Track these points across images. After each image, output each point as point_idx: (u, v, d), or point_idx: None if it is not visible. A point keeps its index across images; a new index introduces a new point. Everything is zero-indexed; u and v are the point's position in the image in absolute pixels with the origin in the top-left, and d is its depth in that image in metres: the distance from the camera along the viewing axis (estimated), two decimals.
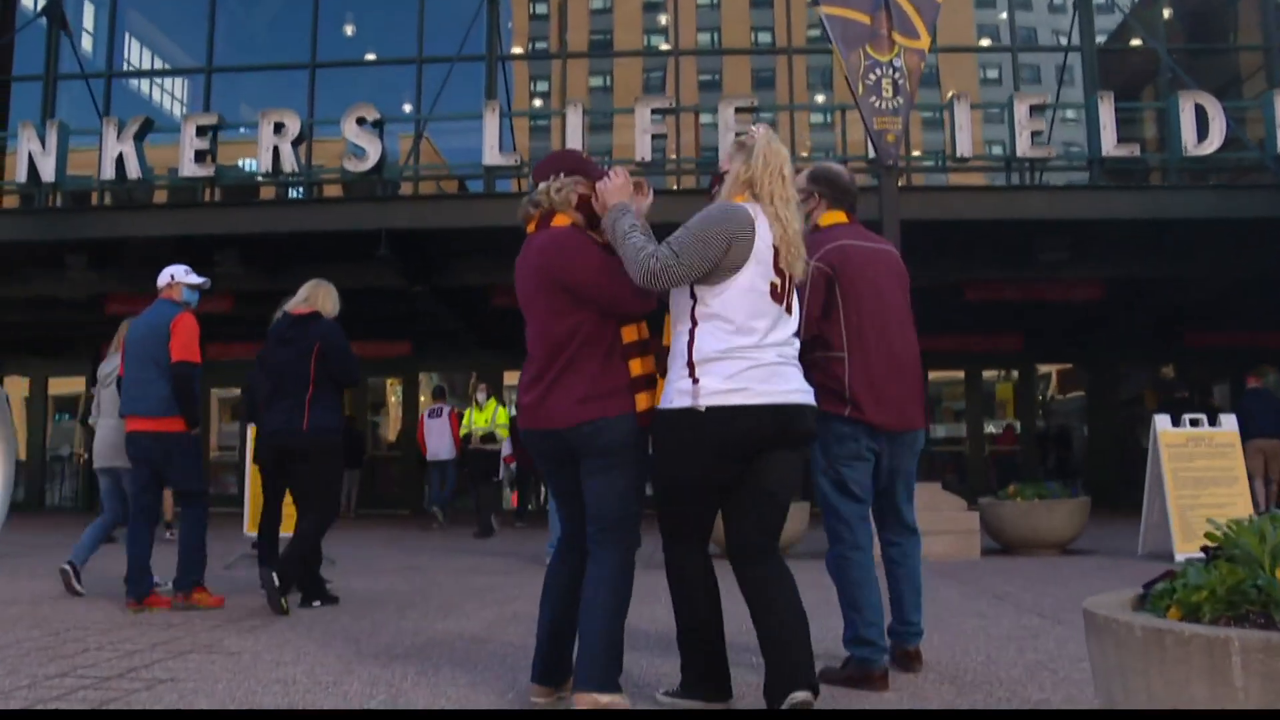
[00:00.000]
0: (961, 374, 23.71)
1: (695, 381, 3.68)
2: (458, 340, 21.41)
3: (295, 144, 15.91)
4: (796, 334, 3.94)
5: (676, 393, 3.73)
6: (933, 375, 22.65)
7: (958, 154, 15.64)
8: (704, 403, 3.65)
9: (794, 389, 3.78)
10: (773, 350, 3.75)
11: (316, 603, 7.09)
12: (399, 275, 16.63)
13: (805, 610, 3.76)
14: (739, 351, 3.69)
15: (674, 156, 18.50)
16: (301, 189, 18.61)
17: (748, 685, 4.19)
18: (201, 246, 16.34)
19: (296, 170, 16.11)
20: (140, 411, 6.92)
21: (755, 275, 3.73)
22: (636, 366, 3.95)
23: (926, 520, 10.52)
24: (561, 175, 4.07)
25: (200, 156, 16.12)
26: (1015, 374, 24.17)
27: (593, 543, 3.97)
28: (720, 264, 3.69)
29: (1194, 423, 10.33)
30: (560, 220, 4.05)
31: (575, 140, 15.53)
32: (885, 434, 4.52)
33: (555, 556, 4.25)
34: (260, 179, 16.86)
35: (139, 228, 16.33)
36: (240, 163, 18.53)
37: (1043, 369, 24.49)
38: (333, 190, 18.61)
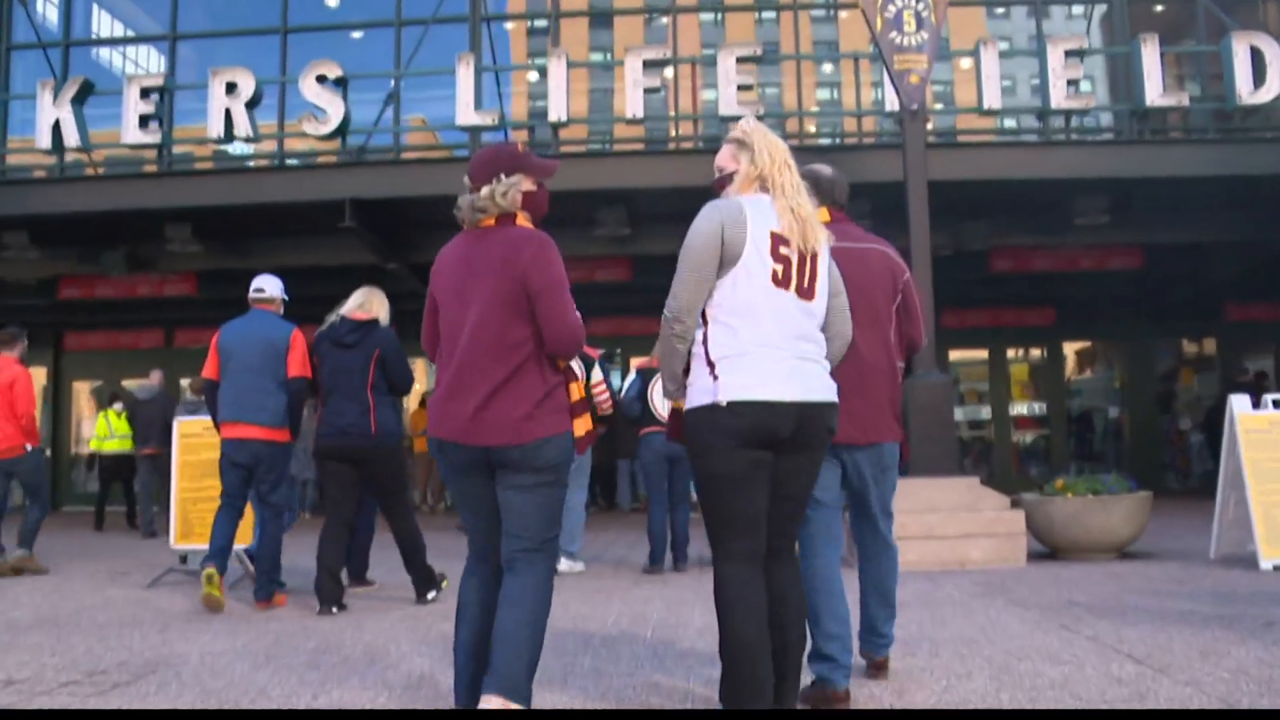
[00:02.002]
0: (985, 353, 22.08)
1: (716, 379, 3.63)
2: None
3: (250, 106, 14.32)
4: (823, 326, 3.83)
5: (699, 391, 3.68)
6: (954, 355, 21.16)
7: (984, 105, 13.99)
8: (724, 398, 3.60)
9: (816, 387, 3.70)
10: (790, 345, 3.67)
11: (432, 594, 7.41)
12: (369, 250, 15.09)
13: (805, 617, 3.85)
14: (753, 348, 3.63)
15: (672, 113, 16.94)
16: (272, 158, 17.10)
17: None
18: (151, 221, 14.88)
19: (251, 135, 14.48)
20: (260, 421, 7.19)
21: (754, 263, 3.65)
22: (575, 391, 3.97)
23: (965, 522, 9.05)
24: (502, 176, 3.94)
25: (145, 122, 14.56)
26: (1043, 351, 22.51)
27: (515, 559, 3.84)
28: (722, 261, 3.66)
29: (1278, 404, 8.76)
30: (522, 221, 3.98)
31: (559, 96, 13.94)
32: (850, 446, 4.47)
33: (467, 572, 4.00)
34: (214, 145, 15.17)
35: (80, 201, 14.78)
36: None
37: (1073, 346, 22.83)
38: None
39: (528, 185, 3.98)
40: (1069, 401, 22.18)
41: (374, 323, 7.33)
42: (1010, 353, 22.43)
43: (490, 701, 3.58)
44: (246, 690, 4.65)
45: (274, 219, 15.11)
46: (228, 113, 14.24)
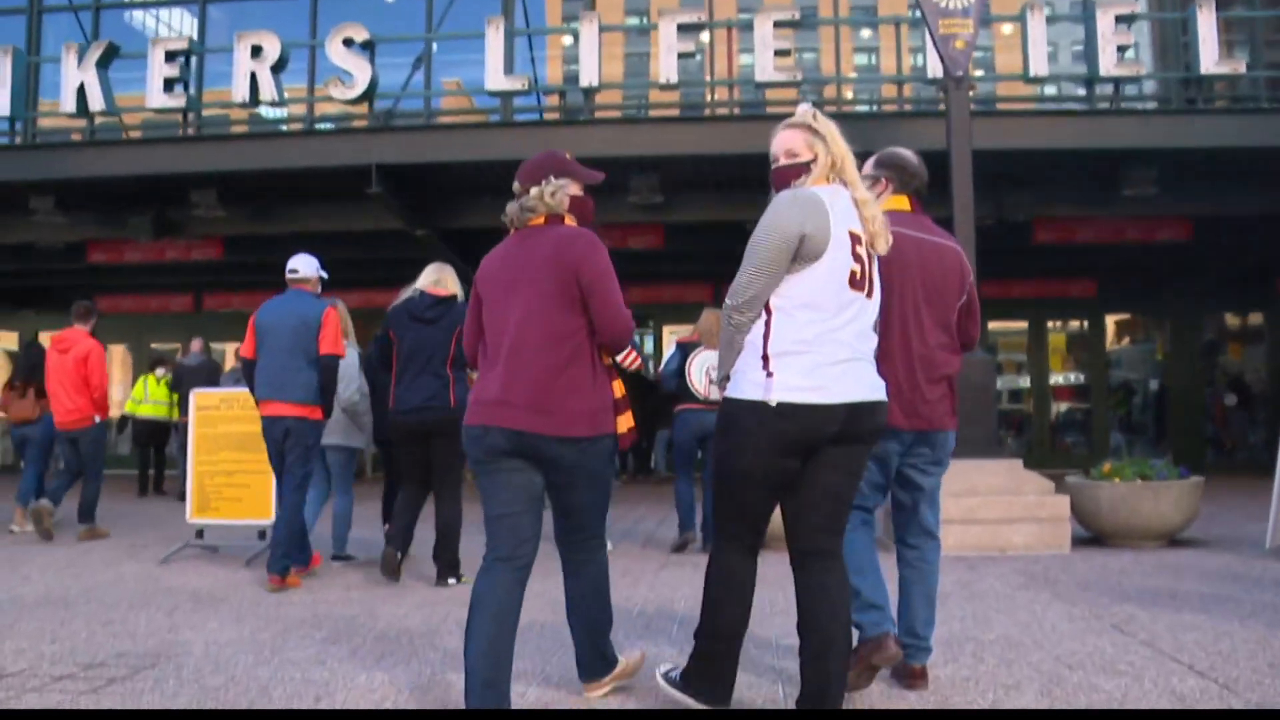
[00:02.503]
0: (1025, 324, 21.59)
1: (770, 375, 3.56)
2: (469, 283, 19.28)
3: (275, 70, 14.01)
4: (875, 326, 3.79)
5: (749, 383, 3.60)
6: (993, 325, 20.69)
7: (1030, 73, 13.50)
8: (775, 398, 3.53)
9: (867, 386, 3.63)
10: (849, 345, 3.60)
11: (452, 580, 7.22)
12: (397, 216, 14.79)
13: (850, 622, 3.72)
14: (816, 345, 3.56)
15: (708, 79, 16.50)
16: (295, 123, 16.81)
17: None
18: (176, 186, 14.62)
19: (276, 99, 14.19)
20: (292, 398, 7.21)
21: (836, 262, 3.58)
22: (619, 388, 4.05)
23: (1007, 506, 8.68)
24: (551, 179, 4.05)
25: (169, 85, 14.28)
26: (1085, 324, 22.00)
27: (570, 553, 4.12)
28: (800, 255, 3.57)
29: None
30: (569, 223, 4.07)
31: (591, 61, 13.56)
32: (906, 434, 4.28)
33: (484, 571, 3.91)
34: (240, 110, 14.81)
35: (105, 166, 14.51)
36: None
37: (1115, 318, 22.29)
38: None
39: (575, 190, 4.11)
40: (1110, 374, 21.69)
41: (453, 299, 7.38)
42: (1051, 324, 21.96)
43: (593, 689, 4.23)
44: (247, 689, 4.38)
45: (300, 184, 14.82)
46: (253, 76, 13.93)
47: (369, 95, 14.03)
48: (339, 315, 7.59)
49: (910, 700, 4.17)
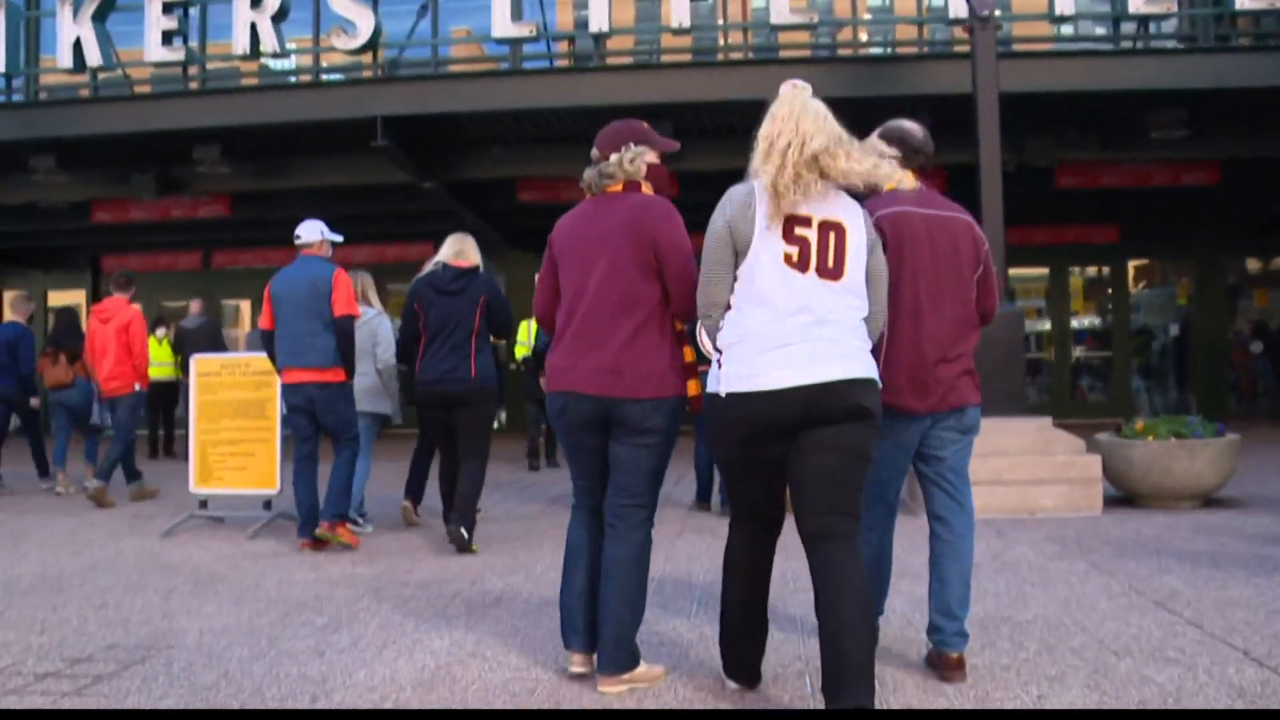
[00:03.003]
0: (1046, 270, 21.17)
1: (720, 367, 3.64)
2: (483, 241, 18.86)
3: (276, 20, 13.60)
4: (856, 300, 3.65)
5: (709, 378, 3.71)
6: (1014, 272, 20.23)
7: (1056, 11, 13.03)
8: (724, 388, 3.60)
9: (831, 367, 3.51)
10: (803, 330, 3.53)
11: (463, 531, 7.24)
12: (403, 169, 14.43)
13: (870, 601, 3.54)
14: (756, 334, 3.56)
15: (721, 21, 16.04)
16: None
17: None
18: (179, 143, 14.27)
19: (278, 50, 13.79)
20: (310, 363, 7.32)
21: (766, 249, 3.57)
22: (689, 353, 4.08)
23: (1036, 467, 8.36)
24: (631, 145, 4.12)
25: (168, 38, 13.91)
26: (1106, 270, 21.57)
27: (617, 518, 4.04)
28: (737, 250, 3.63)
29: None
30: (646, 190, 4.16)
31: (601, 5, 13.11)
32: (924, 416, 4.16)
33: (577, 523, 4.25)
34: (241, 62, 14.41)
35: (105, 123, 14.15)
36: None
37: (1137, 263, 21.86)
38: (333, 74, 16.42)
39: (651, 157, 4.17)
40: (1132, 320, 21.29)
41: (475, 269, 7.47)
42: (1072, 270, 21.55)
43: (607, 684, 3.96)
44: (240, 688, 4.12)
45: (305, 138, 14.46)
46: (253, 27, 13.55)
47: (373, 45, 13.65)
48: (348, 277, 7.67)
49: (947, 696, 3.88)
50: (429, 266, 7.53)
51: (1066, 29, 16.51)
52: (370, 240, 20.09)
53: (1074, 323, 21.46)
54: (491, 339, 7.66)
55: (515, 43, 13.73)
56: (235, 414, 8.49)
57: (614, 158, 4.11)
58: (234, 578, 6.41)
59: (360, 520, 8.22)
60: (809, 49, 14.79)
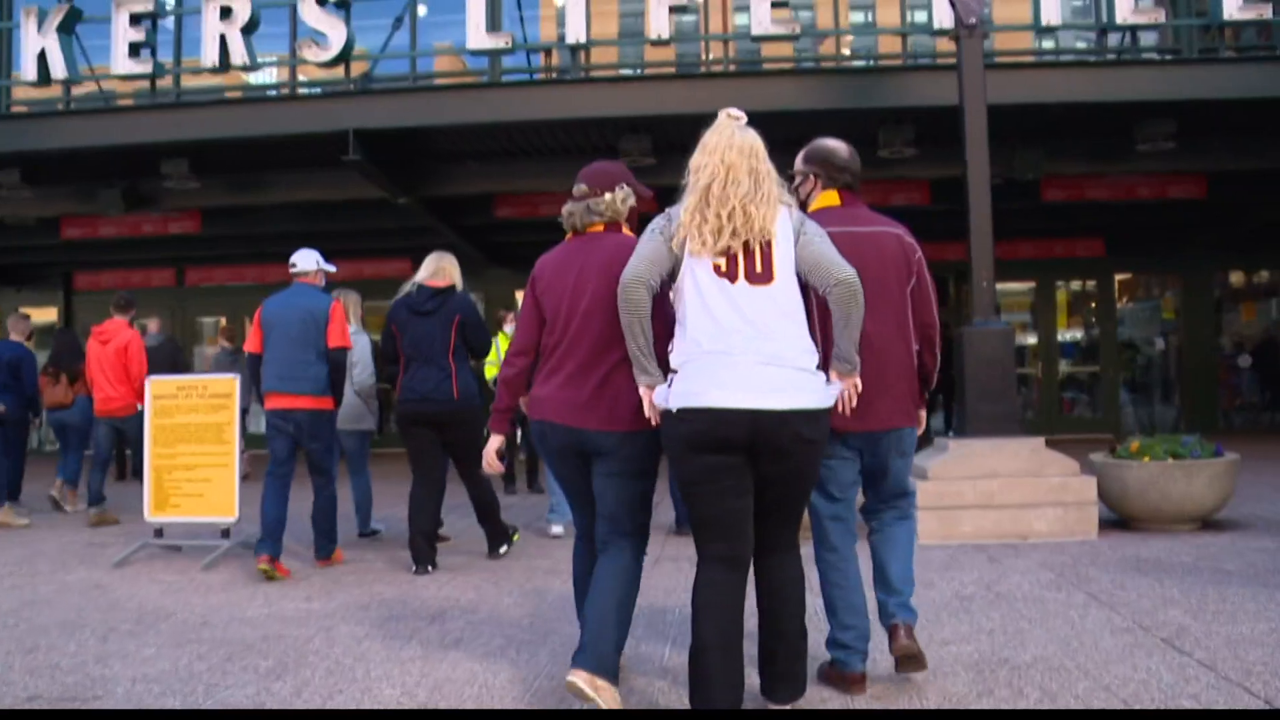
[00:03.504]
0: (1032, 284, 20.86)
1: (670, 385, 3.67)
2: (463, 258, 18.44)
3: (246, 31, 13.22)
4: (799, 314, 3.74)
5: (661, 396, 3.72)
6: (1000, 286, 19.90)
7: (1042, 21, 12.75)
8: (675, 404, 3.61)
9: (779, 396, 3.55)
10: (749, 347, 3.57)
11: (504, 548, 7.76)
12: (378, 184, 14.05)
13: (804, 614, 3.81)
14: (705, 351, 3.60)
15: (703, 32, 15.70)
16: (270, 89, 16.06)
17: None
18: (146, 157, 13.88)
19: (248, 63, 13.41)
20: (302, 390, 7.36)
21: (696, 265, 3.68)
22: None
23: (1029, 489, 7.94)
24: (624, 185, 4.26)
25: (135, 50, 13.52)
26: (1093, 284, 21.29)
27: (605, 542, 4.10)
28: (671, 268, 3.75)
29: None
30: (627, 230, 4.31)
31: (578, 16, 12.78)
32: (857, 436, 4.22)
33: (580, 548, 4.42)
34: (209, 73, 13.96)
35: (69, 137, 13.73)
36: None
37: (1123, 278, 21.60)
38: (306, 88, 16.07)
39: (633, 200, 4.30)
40: (1119, 335, 21.03)
41: (451, 289, 7.50)
42: (1058, 285, 21.29)
43: (579, 675, 3.74)
44: None
45: (275, 153, 14.04)
46: (223, 39, 13.17)
47: (345, 57, 13.26)
48: (343, 308, 7.79)
49: (913, 699, 3.54)
50: (406, 287, 7.55)
51: (1048, 43, 16.32)
52: (348, 256, 19.68)
53: (1060, 337, 21.19)
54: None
55: (491, 54, 13.37)
56: (192, 439, 8.11)
57: (609, 196, 4.21)
58: (180, 614, 6.02)
59: (379, 529, 8.88)
60: (792, 61, 14.52)
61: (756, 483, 3.66)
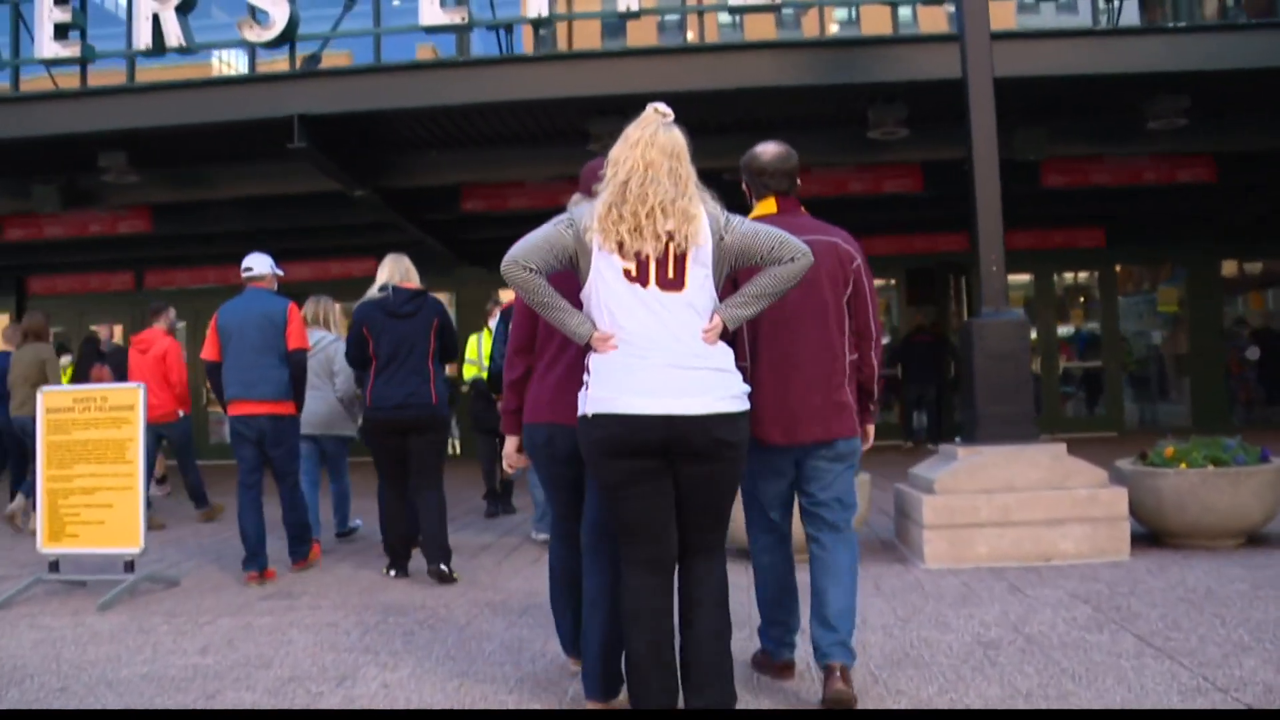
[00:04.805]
0: (1029, 276, 19.88)
1: (587, 389, 3.62)
2: (429, 255, 17.14)
3: (181, 11, 12.16)
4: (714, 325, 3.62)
5: (579, 401, 3.69)
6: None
7: None
8: (589, 410, 3.59)
9: (692, 400, 3.51)
10: (663, 351, 3.53)
11: (445, 567, 7.12)
12: (329, 175, 13.00)
13: (728, 619, 3.74)
14: (619, 356, 3.55)
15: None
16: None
17: None
18: (82, 149, 12.80)
19: (184, 45, 12.33)
20: (263, 395, 7.32)
21: (606, 267, 3.58)
22: None
23: (1051, 504, 6.68)
24: None
25: (61, 31, 12.45)
26: (1094, 275, 20.34)
27: (592, 550, 4.07)
28: (579, 270, 3.66)
29: None
30: None
31: None
32: (790, 449, 4.18)
33: (560, 549, 4.41)
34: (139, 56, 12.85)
35: None
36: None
37: (1127, 268, 20.67)
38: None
39: None
40: (1121, 328, 20.12)
41: (424, 292, 7.39)
42: (1057, 276, 20.36)
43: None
44: None
45: (217, 142, 12.99)
46: (156, 19, 12.11)
47: (289, 37, 12.20)
48: (299, 310, 7.79)
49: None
50: (373, 290, 7.32)
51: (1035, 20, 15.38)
52: (310, 256, 18.69)
53: (1061, 330, 20.27)
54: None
55: (447, 30, 12.31)
56: (92, 458, 7.05)
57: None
58: (40, 677, 4.95)
59: (356, 525, 9.19)
60: (772, 34, 13.57)
61: (677, 486, 3.60)
